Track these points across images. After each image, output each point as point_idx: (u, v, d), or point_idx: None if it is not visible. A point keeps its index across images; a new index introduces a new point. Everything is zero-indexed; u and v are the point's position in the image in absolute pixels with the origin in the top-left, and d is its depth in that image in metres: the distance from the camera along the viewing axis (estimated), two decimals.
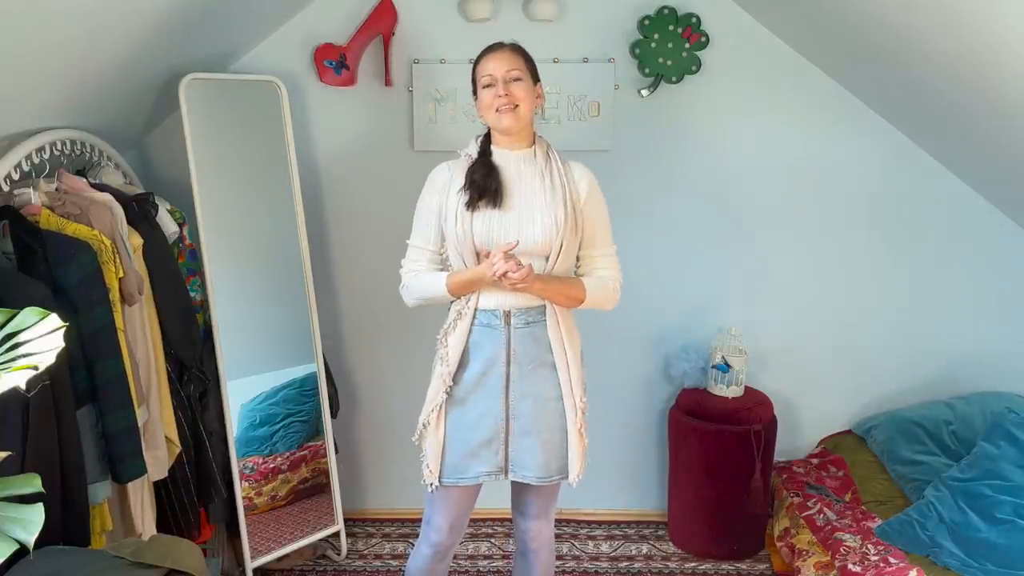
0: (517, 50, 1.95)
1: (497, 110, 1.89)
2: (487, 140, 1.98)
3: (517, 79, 1.90)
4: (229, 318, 2.54)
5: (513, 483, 2.09)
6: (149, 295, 2.21)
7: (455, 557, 2.84)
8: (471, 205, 1.89)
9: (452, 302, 1.99)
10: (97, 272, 1.92)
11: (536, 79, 1.97)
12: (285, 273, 2.71)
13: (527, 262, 1.85)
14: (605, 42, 2.79)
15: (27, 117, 2.03)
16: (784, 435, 2.94)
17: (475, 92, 1.98)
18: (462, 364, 1.96)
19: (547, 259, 1.92)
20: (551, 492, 2.10)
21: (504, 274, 1.79)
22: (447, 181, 1.96)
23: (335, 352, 3.00)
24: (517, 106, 1.89)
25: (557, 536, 3.01)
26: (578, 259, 2.02)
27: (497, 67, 1.90)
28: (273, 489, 2.69)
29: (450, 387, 1.95)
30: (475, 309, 1.94)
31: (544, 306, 1.95)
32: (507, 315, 1.93)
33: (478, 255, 1.91)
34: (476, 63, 1.96)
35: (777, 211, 2.92)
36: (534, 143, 1.98)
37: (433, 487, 1.98)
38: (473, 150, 1.97)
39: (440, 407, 1.96)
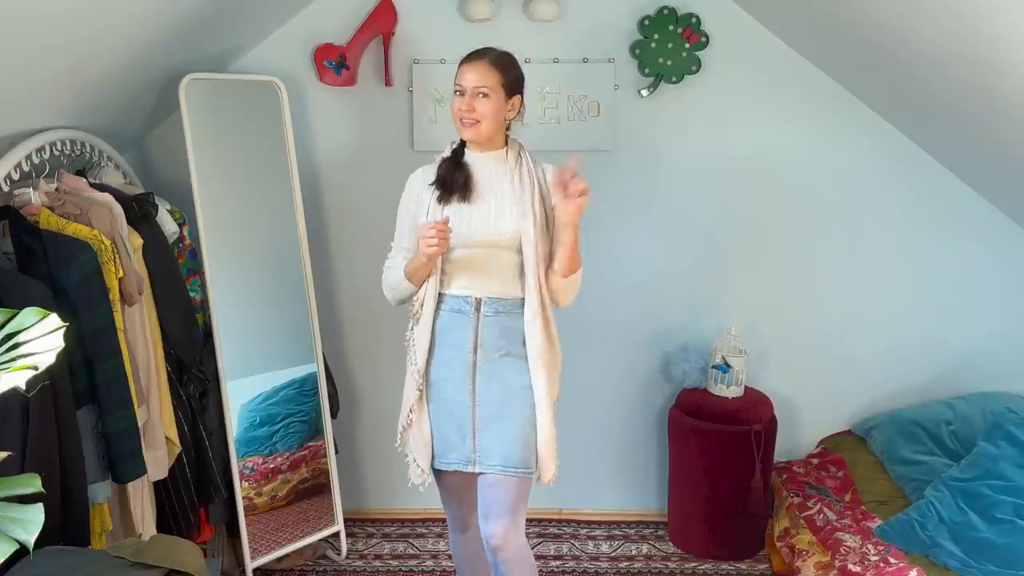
0: (496, 63, 1.95)
1: (460, 120, 1.96)
2: (462, 144, 2.04)
3: (484, 95, 1.93)
4: (229, 318, 2.54)
5: (479, 483, 2.01)
6: (149, 295, 2.22)
7: None
8: (442, 199, 1.97)
9: (413, 295, 2.04)
10: (97, 272, 1.92)
11: (513, 93, 1.98)
12: (285, 273, 2.71)
13: (498, 254, 1.94)
14: (605, 42, 2.79)
15: (27, 117, 2.03)
16: (784, 435, 2.94)
17: None
18: (432, 354, 2.00)
19: (519, 252, 1.97)
20: (515, 490, 1.96)
21: (428, 240, 1.84)
22: (421, 185, 2.04)
23: (335, 352, 2.99)
24: (478, 122, 1.94)
25: (556, 536, 3.01)
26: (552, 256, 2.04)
27: (468, 79, 1.94)
28: (273, 489, 2.69)
29: (421, 385, 2.01)
30: (436, 299, 1.98)
31: (521, 299, 1.98)
32: (478, 302, 1.97)
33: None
34: (460, 63, 1.99)
35: (777, 211, 2.92)
36: (506, 145, 2.03)
37: (424, 485, 2.04)
38: (447, 152, 2.04)
39: (415, 408, 2.02)
